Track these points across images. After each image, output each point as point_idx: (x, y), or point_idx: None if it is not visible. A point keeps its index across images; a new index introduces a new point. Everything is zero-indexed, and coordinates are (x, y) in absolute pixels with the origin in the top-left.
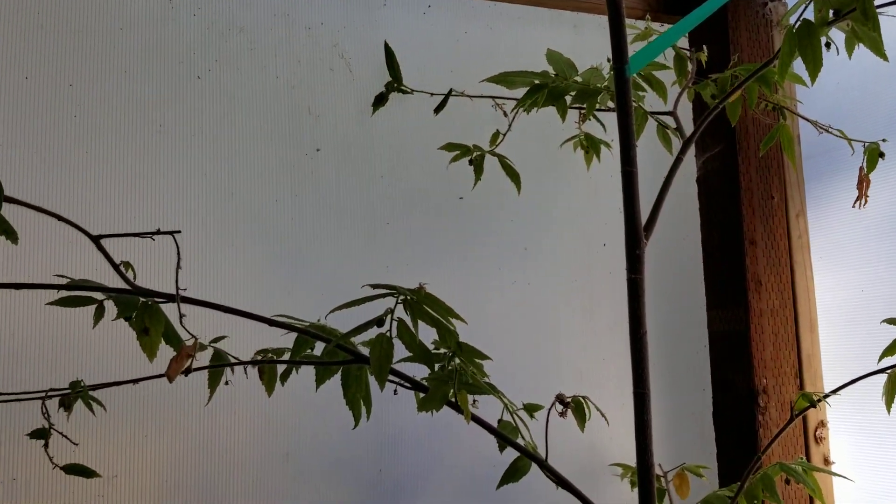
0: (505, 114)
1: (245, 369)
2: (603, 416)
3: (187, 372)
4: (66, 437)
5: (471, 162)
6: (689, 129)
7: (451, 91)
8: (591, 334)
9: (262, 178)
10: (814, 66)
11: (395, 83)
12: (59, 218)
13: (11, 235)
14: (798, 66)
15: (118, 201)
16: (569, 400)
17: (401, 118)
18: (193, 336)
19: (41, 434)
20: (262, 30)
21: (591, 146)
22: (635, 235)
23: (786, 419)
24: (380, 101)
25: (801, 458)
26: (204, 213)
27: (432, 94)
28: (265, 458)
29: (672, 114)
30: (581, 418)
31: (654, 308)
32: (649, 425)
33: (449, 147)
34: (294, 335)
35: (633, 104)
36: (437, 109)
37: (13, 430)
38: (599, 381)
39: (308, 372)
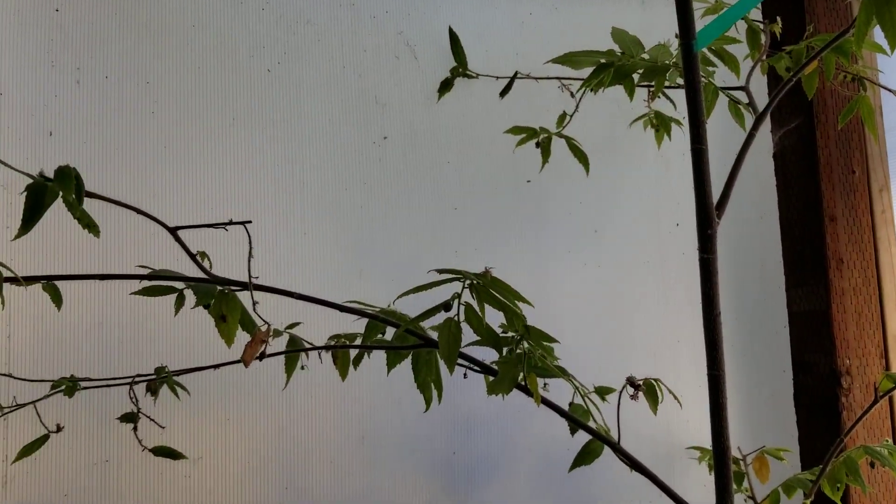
0: (571, 95)
1: (319, 354)
2: (676, 398)
3: (262, 357)
4: (153, 420)
5: (538, 144)
6: (763, 104)
7: (516, 74)
8: (665, 316)
9: (331, 167)
10: (893, 34)
11: (460, 68)
12: (138, 211)
13: (94, 229)
14: (877, 34)
15: (194, 193)
16: (640, 382)
17: (466, 103)
18: (267, 322)
19: (130, 418)
20: (329, 21)
21: (661, 124)
22: (707, 215)
23: (870, 401)
24: (445, 86)
25: (888, 441)
26: (276, 202)
27: (497, 78)
28: (341, 440)
29: (744, 89)
30: (653, 401)
31: (731, 288)
32: (724, 408)
33: (515, 130)
34: (365, 321)
35: (703, 80)
36: (503, 93)
37: (104, 415)
38: (674, 363)
39: (381, 356)
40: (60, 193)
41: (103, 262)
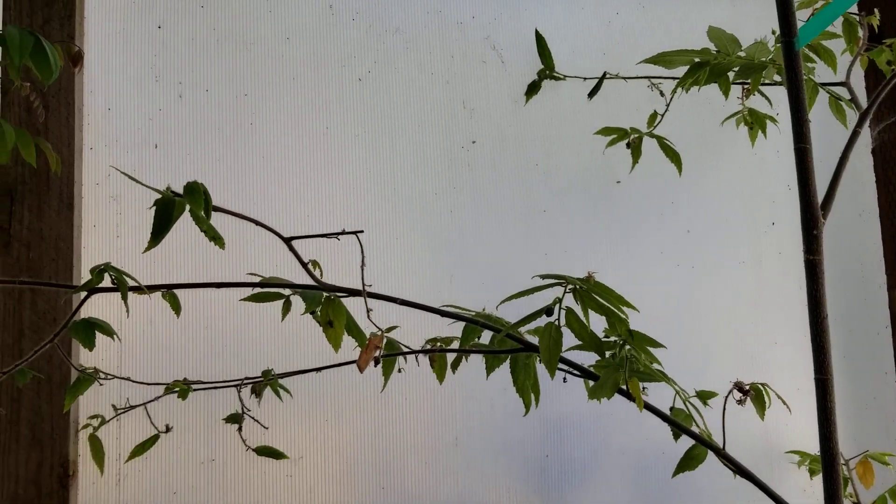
0: (661, 94)
1: (417, 357)
2: (785, 403)
3: (377, 362)
4: (257, 421)
5: (628, 145)
6: (863, 99)
7: (605, 74)
8: (762, 317)
9: (421, 173)
10: None
11: (548, 70)
12: (256, 223)
13: (219, 241)
14: None
15: (290, 202)
16: (748, 387)
17: (554, 105)
18: (379, 329)
19: (235, 419)
20: (417, 28)
21: (755, 122)
22: (812, 215)
23: None
24: (532, 89)
25: None
26: (369, 208)
27: (585, 79)
28: (435, 442)
29: (845, 84)
30: (761, 406)
31: (830, 289)
32: (833, 412)
33: (606, 131)
34: (460, 324)
35: (804, 77)
36: (592, 94)
37: (211, 416)
38: (771, 366)
39: (474, 360)
40: (187, 207)
41: (212, 270)
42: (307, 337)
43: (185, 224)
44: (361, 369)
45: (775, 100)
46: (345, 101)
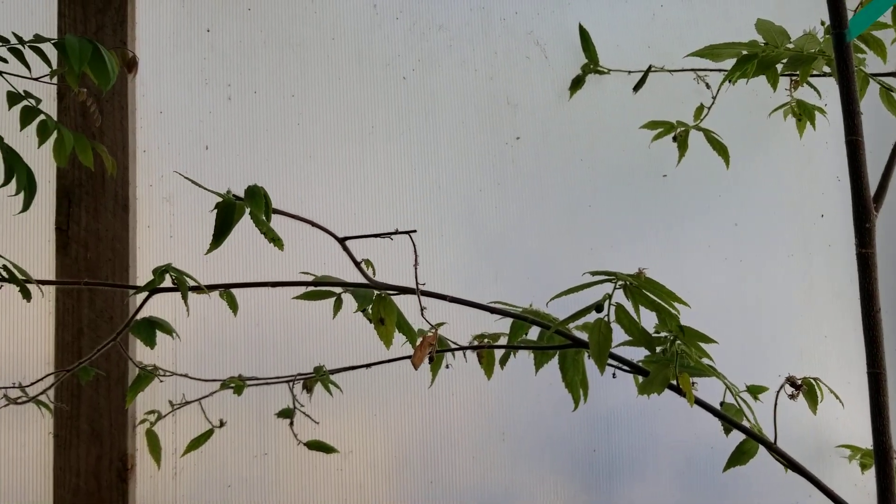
0: (707, 86)
1: (465, 354)
2: (837, 398)
3: (431, 359)
4: (308, 416)
5: (675, 139)
6: None
7: (650, 67)
8: (811, 311)
9: (465, 169)
10: None
11: (592, 64)
12: (314, 224)
13: (278, 243)
14: None
15: (337, 201)
16: (800, 381)
17: (598, 99)
18: (433, 326)
19: (287, 414)
20: (460, 25)
21: (803, 113)
22: (864, 208)
23: None
24: (577, 83)
25: None
26: (414, 205)
27: (630, 72)
28: (483, 437)
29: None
30: (813, 401)
31: (882, 282)
32: (886, 406)
33: (651, 125)
34: (507, 320)
35: (854, 68)
36: (637, 87)
37: (263, 411)
38: (821, 359)
39: (521, 356)
40: (247, 210)
41: (262, 268)
42: (357, 334)
43: (237, 228)
44: (416, 366)
45: (824, 90)
46: (389, 99)
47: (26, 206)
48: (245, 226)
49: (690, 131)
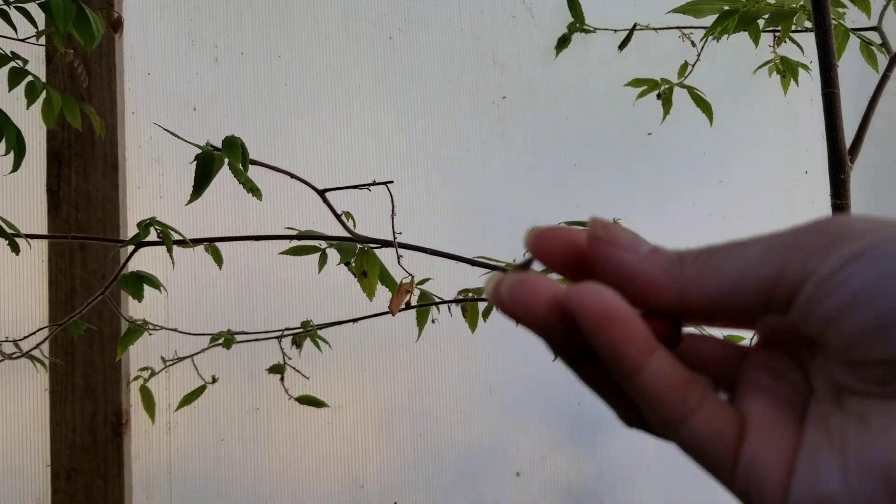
0: (692, 44)
1: (449, 308)
2: None
3: (408, 306)
4: (298, 371)
5: (659, 96)
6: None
7: (635, 26)
8: None
9: (452, 129)
10: None
11: (578, 23)
12: (292, 175)
13: (257, 193)
14: None
15: (324, 160)
16: None
17: (584, 58)
18: (410, 274)
19: (277, 369)
20: None
21: (787, 70)
22: (839, 160)
23: None
24: (562, 42)
25: None
26: (400, 164)
27: (615, 31)
28: (470, 390)
29: (877, 29)
30: None
31: None
32: None
33: (636, 83)
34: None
35: (833, 21)
36: (622, 45)
37: (254, 368)
38: None
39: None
40: (226, 161)
41: (252, 224)
42: (343, 291)
43: (223, 186)
44: (393, 313)
45: (807, 47)
46: (376, 59)
47: (16, 167)
48: (233, 188)
49: (675, 89)
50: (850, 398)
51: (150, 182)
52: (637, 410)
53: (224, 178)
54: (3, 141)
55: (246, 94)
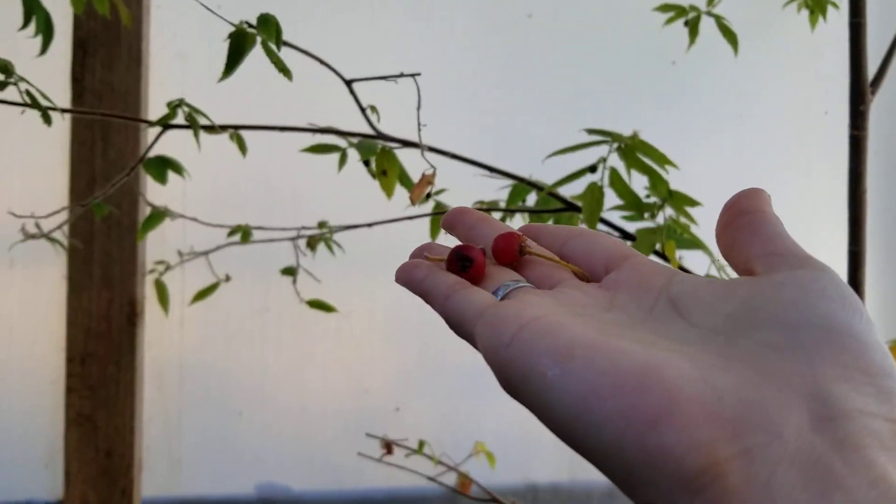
0: None
1: None
2: None
3: (428, 196)
4: (311, 274)
5: (686, 23)
6: None
7: None
8: (806, 205)
9: (475, 44)
10: None
11: None
12: (321, 62)
13: (287, 74)
14: None
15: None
16: None
17: None
18: (433, 166)
19: (290, 271)
20: None
21: (815, 5)
22: (860, 91)
23: None
24: None
25: None
26: (420, 79)
27: None
28: None
29: None
30: None
31: (883, 175)
32: (863, 284)
33: (664, 8)
34: (503, 192)
35: None
36: None
37: (267, 269)
38: (809, 247)
39: (518, 222)
40: (258, 39)
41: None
42: (358, 195)
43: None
44: (413, 202)
45: None
46: None
47: (44, 50)
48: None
49: (702, 17)
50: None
51: (173, 79)
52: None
53: (247, 73)
54: (33, 23)
55: None
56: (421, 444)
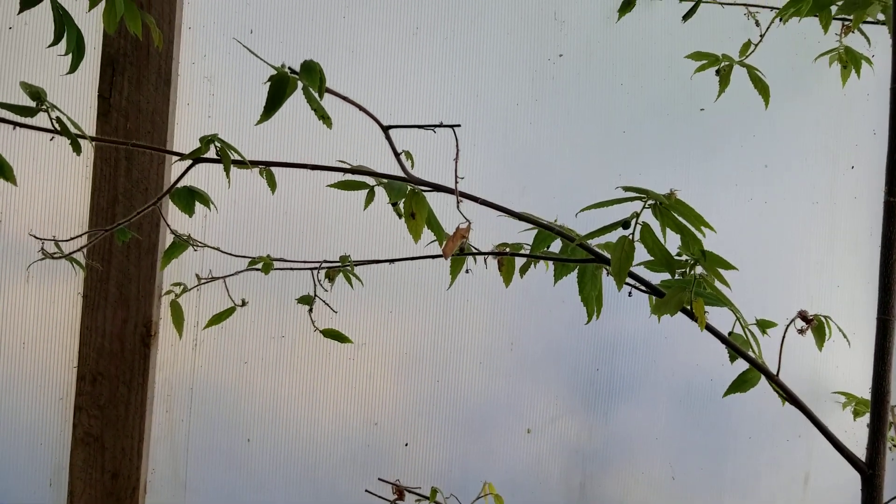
0: (757, 23)
1: (485, 260)
2: (845, 337)
3: (462, 251)
4: (328, 305)
5: (718, 72)
6: None
7: None
8: (828, 259)
9: (505, 82)
10: None
11: None
12: (360, 108)
13: (327, 121)
14: None
15: (375, 97)
16: (811, 317)
17: (646, 24)
18: (467, 220)
19: (307, 300)
20: None
21: (850, 61)
22: None
23: None
24: (626, 6)
25: None
26: (450, 112)
27: (681, 0)
28: (492, 344)
29: None
30: (821, 337)
31: None
32: (890, 353)
33: (696, 56)
34: (528, 234)
35: None
36: (687, 16)
37: (283, 296)
38: (830, 307)
39: (537, 272)
40: (299, 85)
41: (292, 157)
42: (382, 233)
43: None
44: (446, 256)
45: (874, 40)
46: (437, 3)
47: (74, 67)
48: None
49: (734, 67)
50: None
51: (201, 100)
52: None
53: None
54: (64, 40)
55: (303, 22)
56: (433, 491)
